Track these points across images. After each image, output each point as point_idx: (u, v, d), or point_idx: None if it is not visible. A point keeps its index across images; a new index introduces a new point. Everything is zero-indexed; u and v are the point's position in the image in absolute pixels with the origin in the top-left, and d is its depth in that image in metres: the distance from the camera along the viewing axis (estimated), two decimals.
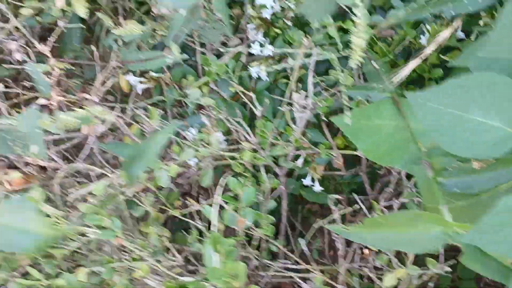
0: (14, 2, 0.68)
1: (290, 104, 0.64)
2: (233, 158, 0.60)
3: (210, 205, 0.51)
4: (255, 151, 0.62)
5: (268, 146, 0.58)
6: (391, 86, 0.54)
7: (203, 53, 0.61)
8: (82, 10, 0.59)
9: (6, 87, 0.67)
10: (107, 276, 0.49)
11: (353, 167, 0.86)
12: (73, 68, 0.72)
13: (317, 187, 0.74)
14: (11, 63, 0.72)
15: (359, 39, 0.39)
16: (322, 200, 0.82)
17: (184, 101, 0.70)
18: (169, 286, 0.45)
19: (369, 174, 0.85)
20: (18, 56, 0.64)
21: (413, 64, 0.54)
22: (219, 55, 0.69)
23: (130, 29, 0.60)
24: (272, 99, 0.71)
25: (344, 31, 0.66)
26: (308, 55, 0.62)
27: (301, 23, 0.72)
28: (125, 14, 0.77)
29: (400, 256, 0.51)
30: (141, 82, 0.70)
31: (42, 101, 0.59)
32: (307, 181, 0.73)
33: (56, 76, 0.60)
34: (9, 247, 0.46)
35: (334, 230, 0.43)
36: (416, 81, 0.70)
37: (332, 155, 0.61)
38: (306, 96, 0.58)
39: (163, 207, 0.56)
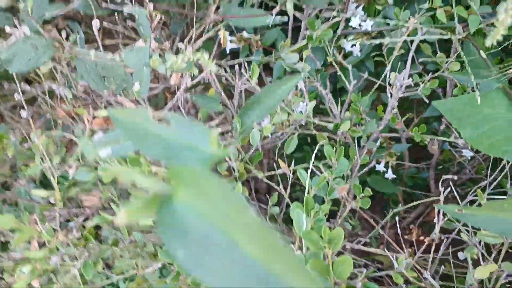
0: None
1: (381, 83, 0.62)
2: (319, 128, 0.59)
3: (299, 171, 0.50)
4: (336, 126, 0.61)
5: (361, 121, 0.57)
6: (503, 77, 0.52)
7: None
8: None
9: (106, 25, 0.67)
10: None
11: (420, 162, 0.84)
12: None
13: (390, 174, 0.73)
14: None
15: (506, 16, 0.37)
16: (388, 189, 0.81)
17: (271, 65, 0.69)
18: None
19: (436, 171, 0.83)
20: None
21: None
22: None
23: None
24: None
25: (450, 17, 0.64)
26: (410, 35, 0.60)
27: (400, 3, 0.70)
28: None
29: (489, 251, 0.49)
30: (231, 42, 0.70)
31: (140, 43, 0.59)
32: (380, 167, 0.71)
33: (156, 21, 0.60)
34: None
35: (446, 211, 0.42)
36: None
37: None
38: (409, 76, 0.56)
39: (248, 165, 0.56)
